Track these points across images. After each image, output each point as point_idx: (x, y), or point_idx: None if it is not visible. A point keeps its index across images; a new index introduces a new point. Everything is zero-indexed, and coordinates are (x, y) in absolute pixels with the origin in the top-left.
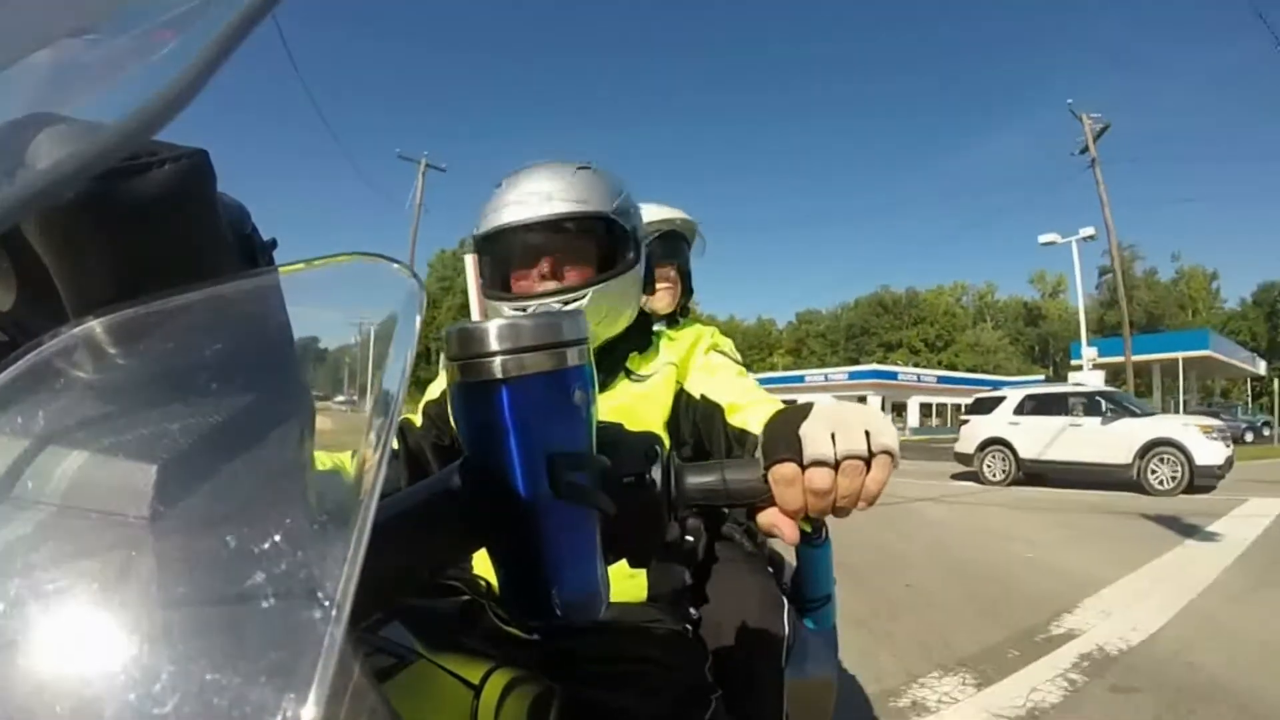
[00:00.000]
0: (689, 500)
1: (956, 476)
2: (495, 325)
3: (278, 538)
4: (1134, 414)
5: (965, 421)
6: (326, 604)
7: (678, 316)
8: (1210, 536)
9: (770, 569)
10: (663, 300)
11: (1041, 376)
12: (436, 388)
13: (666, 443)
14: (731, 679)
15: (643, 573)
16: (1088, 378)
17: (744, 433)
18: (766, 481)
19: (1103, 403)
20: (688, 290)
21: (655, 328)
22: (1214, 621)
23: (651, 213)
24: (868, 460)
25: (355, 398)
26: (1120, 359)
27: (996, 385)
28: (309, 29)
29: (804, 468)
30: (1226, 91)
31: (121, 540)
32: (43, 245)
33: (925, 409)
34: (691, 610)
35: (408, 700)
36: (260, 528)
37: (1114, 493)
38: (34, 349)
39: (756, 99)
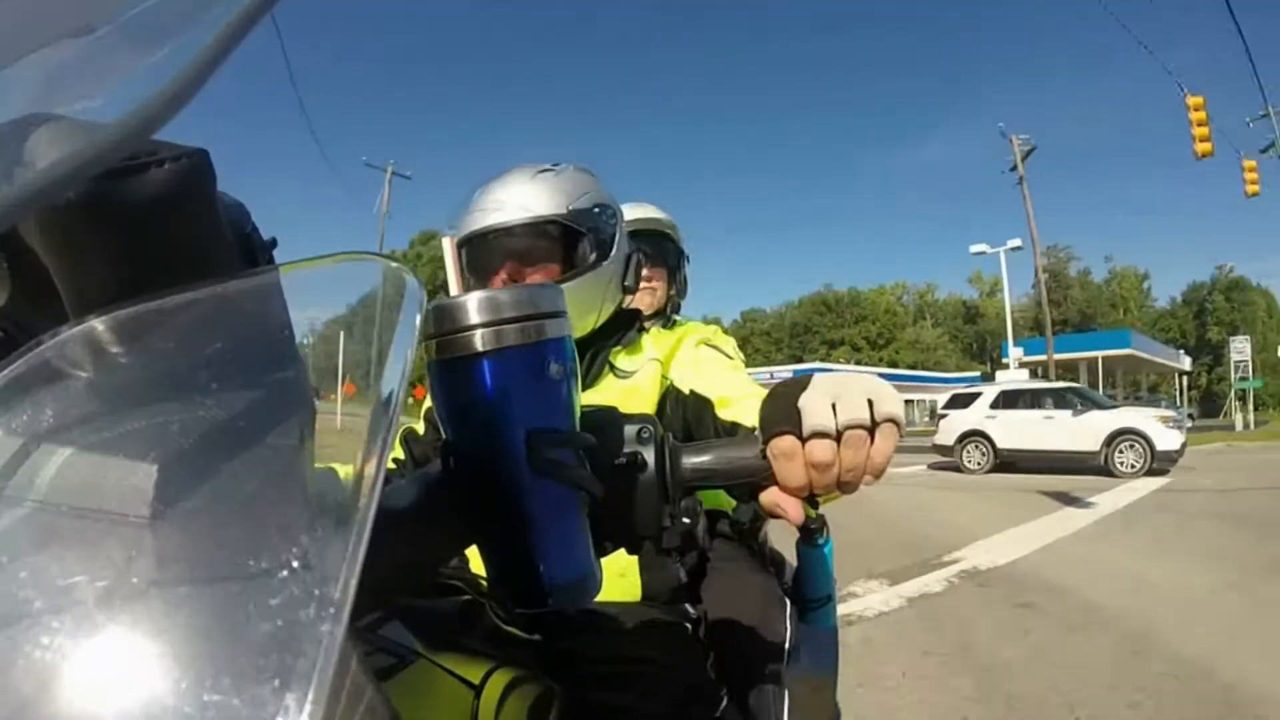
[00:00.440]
0: (685, 482)
1: (935, 466)
2: (473, 298)
3: (278, 537)
4: (1101, 407)
5: (944, 416)
6: (326, 604)
7: (670, 316)
8: (1088, 505)
9: (770, 569)
10: (643, 300)
11: (978, 374)
12: None
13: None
14: (732, 679)
15: (636, 571)
16: (1014, 375)
17: (735, 426)
18: (766, 458)
19: (1073, 397)
20: (681, 291)
21: (648, 325)
22: (1061, 553)
23: (633, 213)
24: (871, 430)
25: (355, 396)
26: (1051, 356)
27: (935, 382)
28: (291, 31)
29: (804, 440)
30: (1161, 105)
31: (121, 540)
32: (42, 245)
33: None
34: (690, 609)
35: (408, 700)
36: (260, 527)
37: (1039, 476)
38: (34, 348)
39: (709, 100)
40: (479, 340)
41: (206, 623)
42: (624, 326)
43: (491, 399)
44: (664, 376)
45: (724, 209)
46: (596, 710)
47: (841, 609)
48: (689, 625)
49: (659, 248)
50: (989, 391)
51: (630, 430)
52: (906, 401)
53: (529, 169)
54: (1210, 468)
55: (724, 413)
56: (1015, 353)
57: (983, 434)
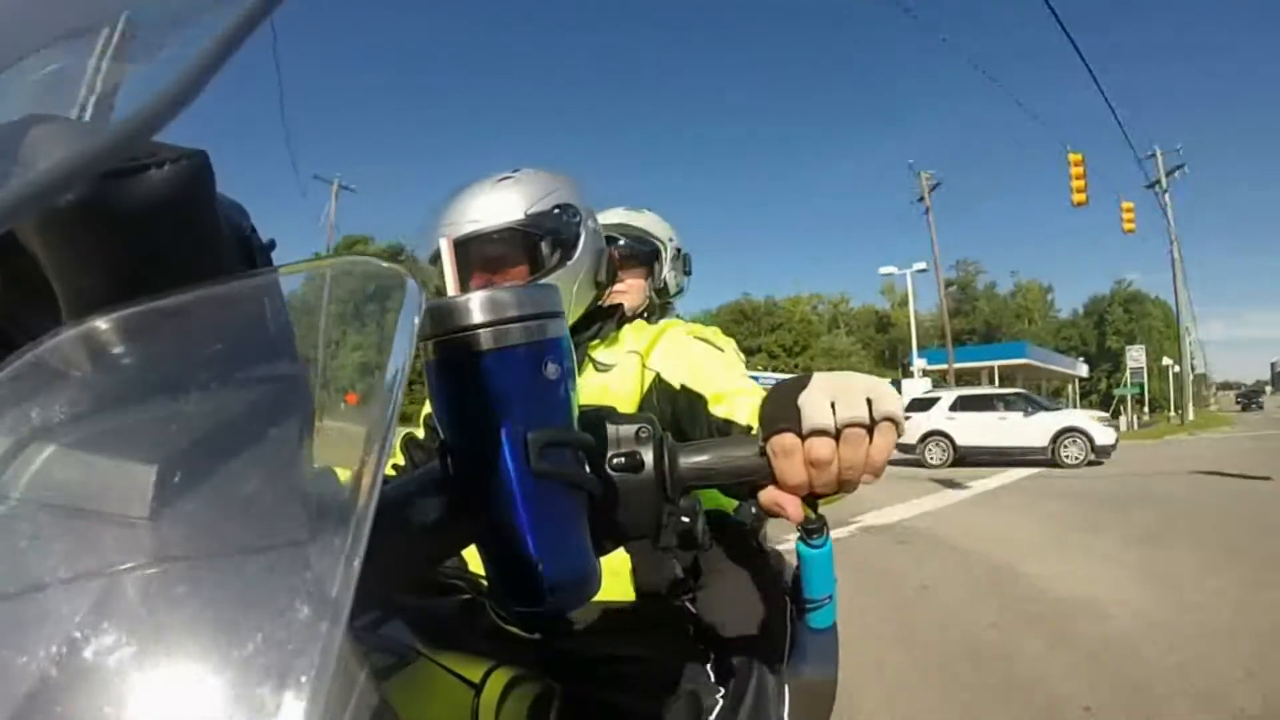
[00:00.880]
0: (684, 481)
1: (896, 463)
2: (475, 298)
3: (277, 537)
4: (1048, 409)
5: (907, 418)
6: (325, 603)
7: (648, 315)
8: (964, 488)
9: (770, 569)
10: (622, 299)
11: (889, 380)
12: None
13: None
14: (732, 678)
15: (628, 568)
16: (917, 383)
17: (729, 423)
18: (765, 457)
19: (1023, 401)
20: (664, 291)
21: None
22: (936, 516)
23: (617, 217)
24: (870, 428)
25: (354, 398)
26: (952, 365)
27: None
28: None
29: (803, 438)
30: (1065, 131)
31: (120, 540)
32: (42, 247)
33: None
34: (690, 607)
35: (407, 699)
36: (260, 527)
37: (1028, 464)
38: (33, 348)
39: (629, 106)
40: (481, 340)
41: (205, 622)
42: (602, 319)
43: (492, 399)
44: (645, 368)
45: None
46: (597, 709)
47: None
48: (689, 624)
49: (630, 249)
50: (947, 396)
51: (629, 430)
52: None
53: (490, 179)
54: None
55: (717, 409)
56: (919, 362)
57: (943, 433)
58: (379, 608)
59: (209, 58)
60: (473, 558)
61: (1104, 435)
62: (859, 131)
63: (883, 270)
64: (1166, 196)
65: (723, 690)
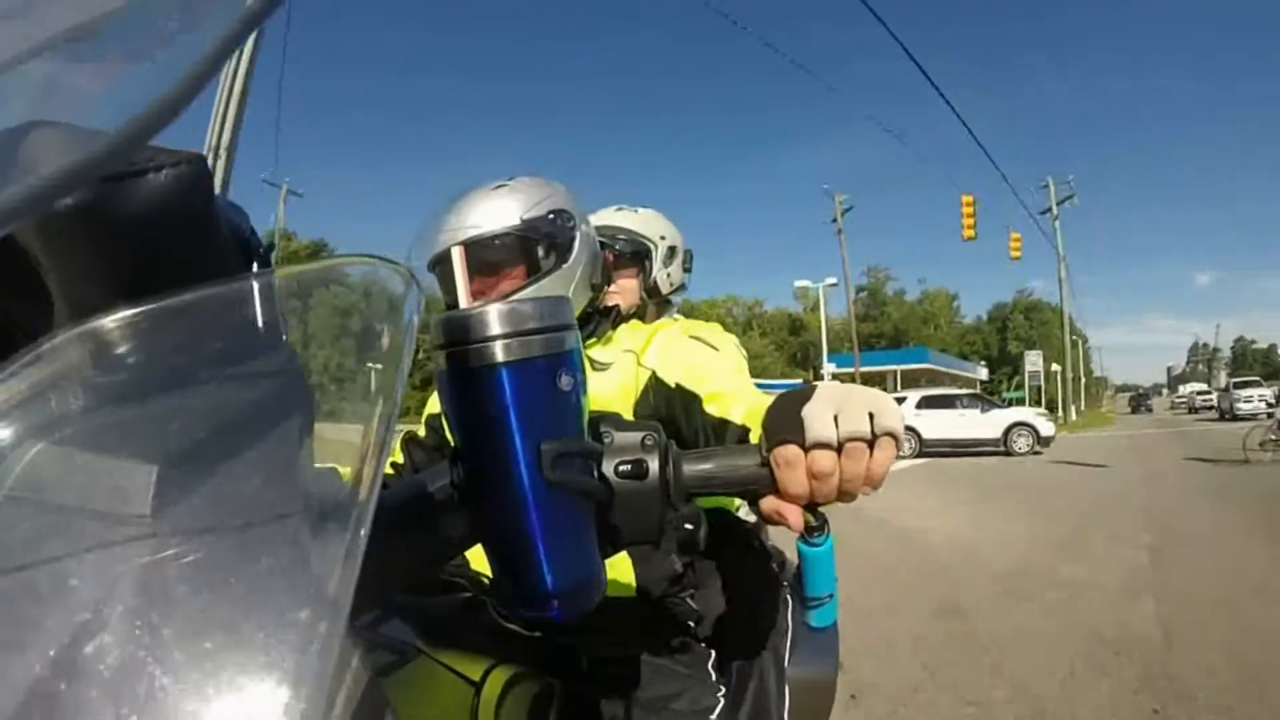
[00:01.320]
0: (687, 489)
1: None
2: (496, 309)
3: (277, 537)
4: (1000, 407)
5: None
6: (325, 602)
7: (641, 320)
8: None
9: (770, 568)
10: (614, 301)
11: (800, 380)
12: (437, 401)
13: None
14: (733, 676)
15: (628, 565)
16: None
17: (723, 422)
18: (767, 466)
19: (978, 400)
20: (653, 292)
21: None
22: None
23: (604, 219)
24: (871, 442)
25: (354, 398)
26: (858, 369)
27: (761, 387)
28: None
29: (806, 449)
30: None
31: (121, 540)
32: (40, 251)
33: None
34: (691, 603)
35: (408, 696)
36: (260, 527)
37: (983, 454)
38: (34, 348)
39: (560, 101)
40: (500, 351)
41: (206, 621)
42: (598, 318)
43: (508, 409)
44: (640, 366)
45: None
46: (595, 707)
47: None
48: (689, 622)
49: (618, 251)
50: (913, 396)
51: (634, 437)
52: None
53: (486, 185)
54: None
55: (711, 408)
56: (829, 367)
57: (911, 428)
58: (380, 606)
59: (207, 63)
60: (473, 555)
61: (1046, 428)
62: (781, 149)
63: (798, 284)
64: (1057, 223)
65: (723, 689)
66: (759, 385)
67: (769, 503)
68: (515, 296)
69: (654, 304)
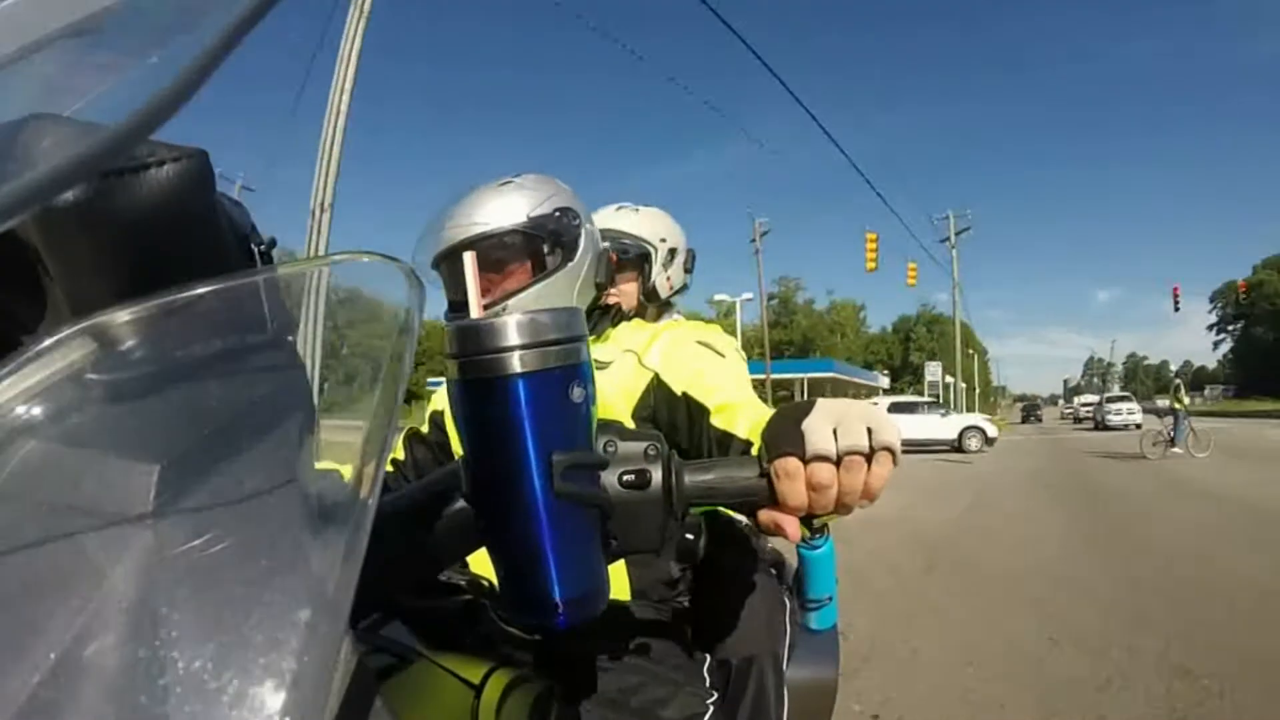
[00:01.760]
0: (689, 499)
1: None
2: (515, 320)
3: (278, 536)
4: (956, 413)
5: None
6: (326, 604)
7: (636, 315)
8: None
9: (770, 569)
10: (614, 300)
11: None
12: (441, 398)
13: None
14: (732, 679)
15: (623, 569)
16: None
17: (728, 435)
18: (767, 477)
19: (938, 407)
20: (652, 295)
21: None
22: None
23: (602, 221)
24: (869, 456)
25: (356, 396)
26: (769, 377)
27: None
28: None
29: (806, 462)
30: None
31: (121, 540)
32: (42, 246)
33: None
34: (687, 605)
35: (408, 700)
36: (260, 527)
37: (941, 452)
38: (34, 347)
39: (498, 98)
40: (516, 362)
41: (206, 622)
42: (598, 319)
43: (520, 420)
44: (642, 366)
45: None
46: (596, 710)
47: None
48: (687, 625)
49: (619, 256)
50: (883, 403)
51: (638, 447)
52: None
53: (492, 184)
54: None
55: (717, 420)
56: None
57: None
58: (380, 609)
59: (209, 57)
60: (473, 558)
61: (992, 430)
62: (708, 166)
63: (717, 297)
64: (954, 251)
65: (715, 695)
66: None
67: (767, 514)
68: (521, 296)
69: (654, 307)
